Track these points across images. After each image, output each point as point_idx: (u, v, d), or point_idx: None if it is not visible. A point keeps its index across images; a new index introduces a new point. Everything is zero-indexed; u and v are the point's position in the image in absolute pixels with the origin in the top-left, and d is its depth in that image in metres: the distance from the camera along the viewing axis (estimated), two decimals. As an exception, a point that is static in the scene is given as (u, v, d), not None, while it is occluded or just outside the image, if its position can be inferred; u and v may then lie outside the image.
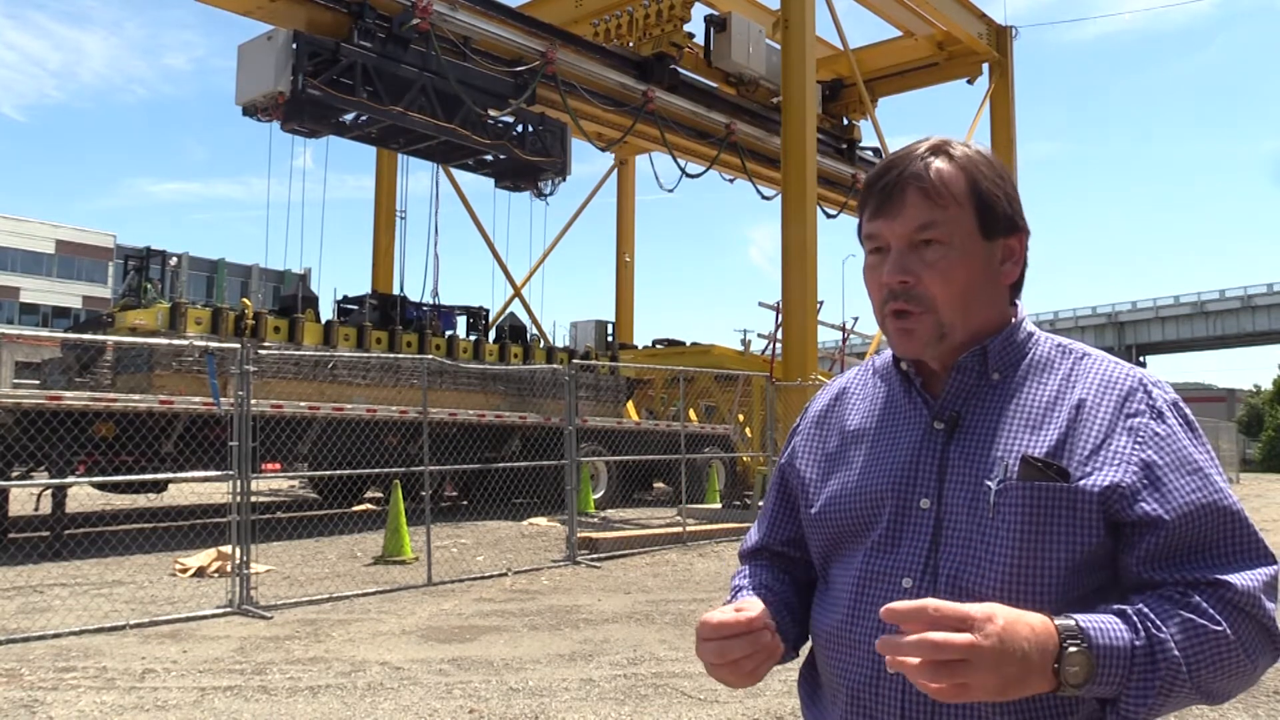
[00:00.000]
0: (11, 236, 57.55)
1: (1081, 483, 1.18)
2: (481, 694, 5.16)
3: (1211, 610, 1.12)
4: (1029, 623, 1.06)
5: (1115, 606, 1.13)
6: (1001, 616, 1.04)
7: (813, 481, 1.39)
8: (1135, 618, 1.11)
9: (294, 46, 13.47)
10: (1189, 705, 1.14)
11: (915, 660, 1.02)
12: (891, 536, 1.27)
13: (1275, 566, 1.17)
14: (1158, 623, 1.11)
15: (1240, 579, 1.14)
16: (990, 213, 1.27)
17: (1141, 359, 67.16)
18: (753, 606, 1.24)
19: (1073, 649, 1.06)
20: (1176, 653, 1.09)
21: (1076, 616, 1.09)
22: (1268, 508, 18.68)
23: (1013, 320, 1.32)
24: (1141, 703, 1.09)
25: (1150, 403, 1.22)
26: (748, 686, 1.26)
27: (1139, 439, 1.19)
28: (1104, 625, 1.09)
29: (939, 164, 1.27)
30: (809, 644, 1.41)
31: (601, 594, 8.28)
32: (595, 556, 10.30)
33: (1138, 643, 1.09)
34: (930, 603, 1.04)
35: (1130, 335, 67.76)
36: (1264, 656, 1.15)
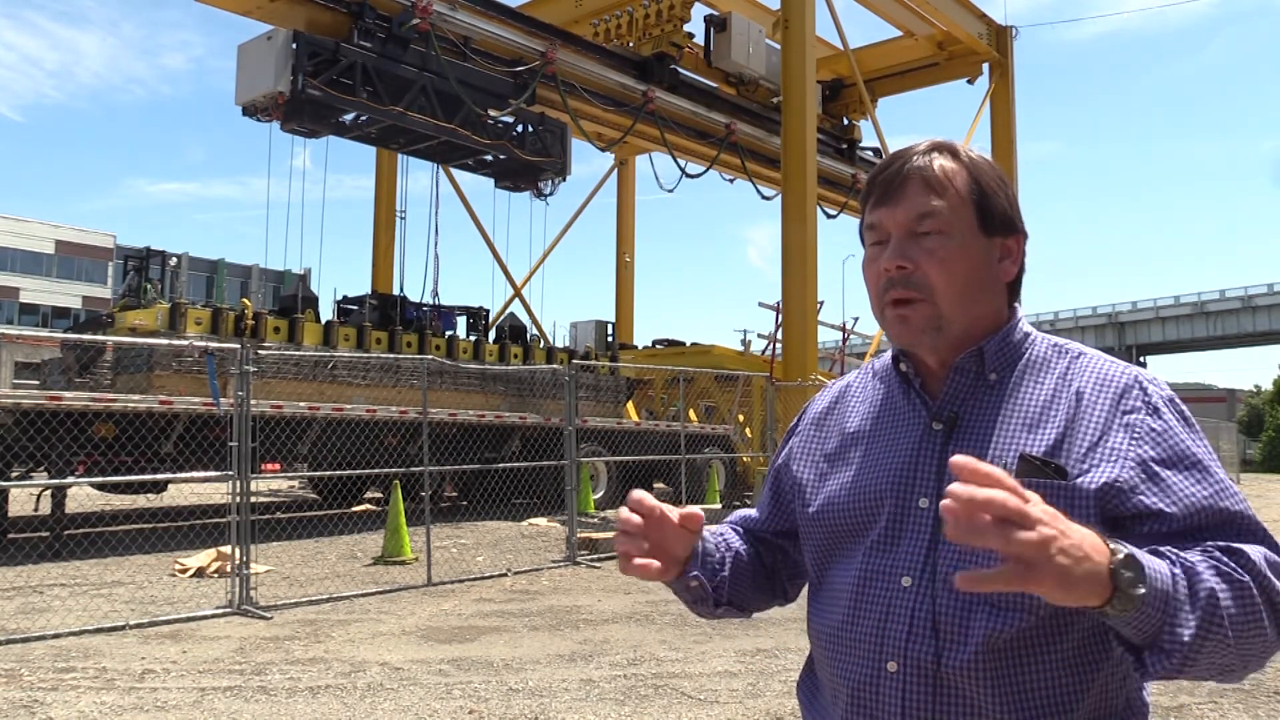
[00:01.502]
0: (11, 236, 57.54)
1: (1079, 480, 1.18)
2: (481, 694, 5.16)
3: (1233, 564, 1.09)
4: (1078, 526, 1.00)
5: (1148, 548, 1.08)
6: (1056, 511, 0.99)
7: (809, 482, 1.40)
8: (1168, 555, 1.07)
9: (294, 46, 13.46)
10: (1215, 667, 1.08)
11: (984, 520, 0.95)
12: (891, 535, 1.27)
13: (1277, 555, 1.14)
14: (1189, 560, 1.07)
15: (1251, 549, 1.11)
16: (990, 209, 1.29)
17: (1142, 359, 67.15)
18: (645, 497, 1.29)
19: (1122, 554, 1.01)
20: (1212, 585, 1.05)
21: (1115, 541, 1.04)
22: (1268, 508, 18.68)
23: (1009, 321, 1.33)
24: (1182, 632, 1.03)
25: (1146, 399, 1.23)
26: (645, 574, 1.28)
27: (1135, 435, 1.20)
28: (1144, 553, 1.04)
29: (942, 160, 1.30)
30: (807, 649, 1.41)
31: (601, 594, 8.28)
32: (595, 557, 10.30)
33: (1175, 570, 1.05)
34: (986, 467, 0.97)
35: (1130, 335, 67.76)
36: (1273, 629, 1.10)
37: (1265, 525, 1.19)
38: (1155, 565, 1.04)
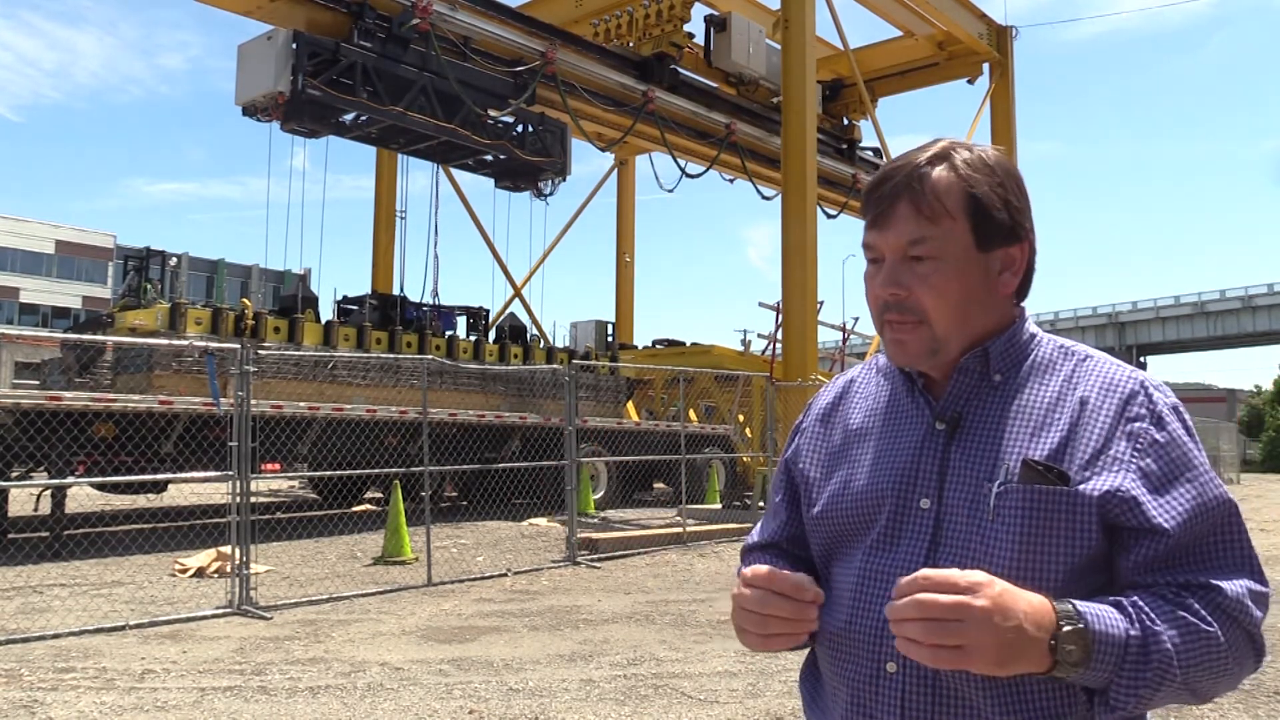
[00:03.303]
0: (11, 236, 57.55)
1: (1081, 487, 1.18)
2: (481, 694, 5.16)
3: (1204, 612, 1.13)
4: (1026, 597, 1.08)
5: (1111, 599, 1.15)
6: (998, 584, 1.06)
7: (815, 480, 1.40)
8: (1131, 609, 1.12)
9: (294, 46, 13.46)
10: (1174, 702, 1.16)
11: (914, 620, 1.05)
12: (891, 536, 1.27)
13: (1264, 587, 1.19)
14: (1153, 617, 1.12)
15: (1231, 585, 1.16)
16: (987, 223, 1.25)
17: (1142, 359, 67.17)
18: (800, 577, 1.23)
19: (1068, 628, 1.08)
20: (1169, 647, 1.10)
21: (1074, 601, 1.11)
22: (1268, 508, 18.66)
23: (1015, 321, 1.31)
24: (1131, 693, 1.10)
25: (1151, 407, 1.22)
26: (767, 649, 1.29)
27: (1138, 446, 1.20)
28: (1100, 612, 1.11)
29: (935, 174, 1.25)
30: (808, 646, 1.41)
31: (601, 594, 8.28)
32: (595, 557, 10.30)
33: (1132, 633, 1.10)
34: (923, 571, 1.07)
35: (1130, 335, 67.74)
36: (1247, 661, 1.17)
37: (1255, 549, 1.21)
38: (1108, 627, 1.10)
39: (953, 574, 1.06)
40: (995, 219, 1.25)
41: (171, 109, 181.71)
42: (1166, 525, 1.16)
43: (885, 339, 1.30)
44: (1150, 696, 1.11)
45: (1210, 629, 1.12)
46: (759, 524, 1.55)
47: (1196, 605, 1.13)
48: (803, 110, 17.14)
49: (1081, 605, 1.10)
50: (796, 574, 1.23)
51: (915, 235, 1.24)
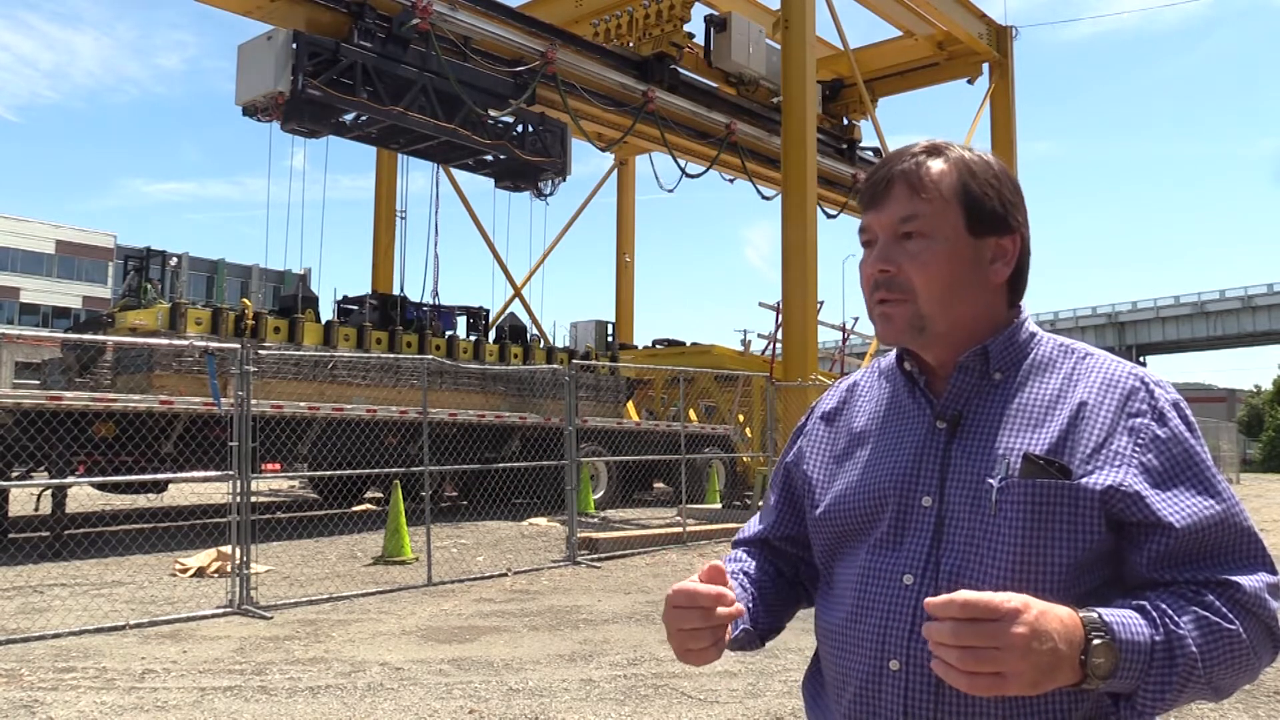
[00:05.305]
0: (11, 236, 57.55)
1: (1083, 480, 1.18)
2: (481, 694, 5.16)
3: (1225, 609, 1.14)
4: (1058, 614, 1.06)
5: (1134, 602, 1.15)
6: (1034, 607, 1.04)
7: (819, 482, 1.40)
8: (1154, 613, 1.12)
9: (294, 46, 13.46)
10: (1197, 700, 1.16)
11: (951, 646, 1.02)
12: (894, 534, 1.27)
13: (1276, 577, 1.19)
14: (1176, 619, 1.12)
15: (1248, 580, 1.16)
16: (979, 210, 1.28)
17: (1142, 359, 67.14)
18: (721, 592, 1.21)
19: (1097, 641, 1.07)
20: (1194, 649, 1.11)
21: (1099, 610, 1.10)
22: (1268, 508, 18.68)
23: (1015, 321, 1.32)
24: (1158, 697, 1.11)
25: (1152, 402, 1.23)
26: (689, 662, 1.24)
27: (1139, 441, 1.20)
28: (1126, 620, 1.10)
29: (929, 162, 1.30)
30: (809, 646, 1.41)
31: (601, 594, 8.27)
32: (595, 557, 10.30)
33: (1157, 638, 1.11)
34: (961, 594, 1.03)
35: (1130, 335, 67.78)
36: (1266, 654, 1.18)
37: (1263, 540, 1.22)
38: (1134, 635, 1.09)
39: (992, 600, 1.02)
40: (987, 206, 1.28)
41: (169, 109, 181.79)
42: (1174, 522, 1.16)
43: (874, 317, 1.31)
44: (1176, 698, 1.11)
45: (1232, 626, 1.13)
46: (754, 518, 1.56)
47: (1217, 603, 1.14)
48: (803, 110, 17.14)
49: (1107, 614, 1.10)
50: (719, 589, 1.20)
51: (907, 212, 1.27)
